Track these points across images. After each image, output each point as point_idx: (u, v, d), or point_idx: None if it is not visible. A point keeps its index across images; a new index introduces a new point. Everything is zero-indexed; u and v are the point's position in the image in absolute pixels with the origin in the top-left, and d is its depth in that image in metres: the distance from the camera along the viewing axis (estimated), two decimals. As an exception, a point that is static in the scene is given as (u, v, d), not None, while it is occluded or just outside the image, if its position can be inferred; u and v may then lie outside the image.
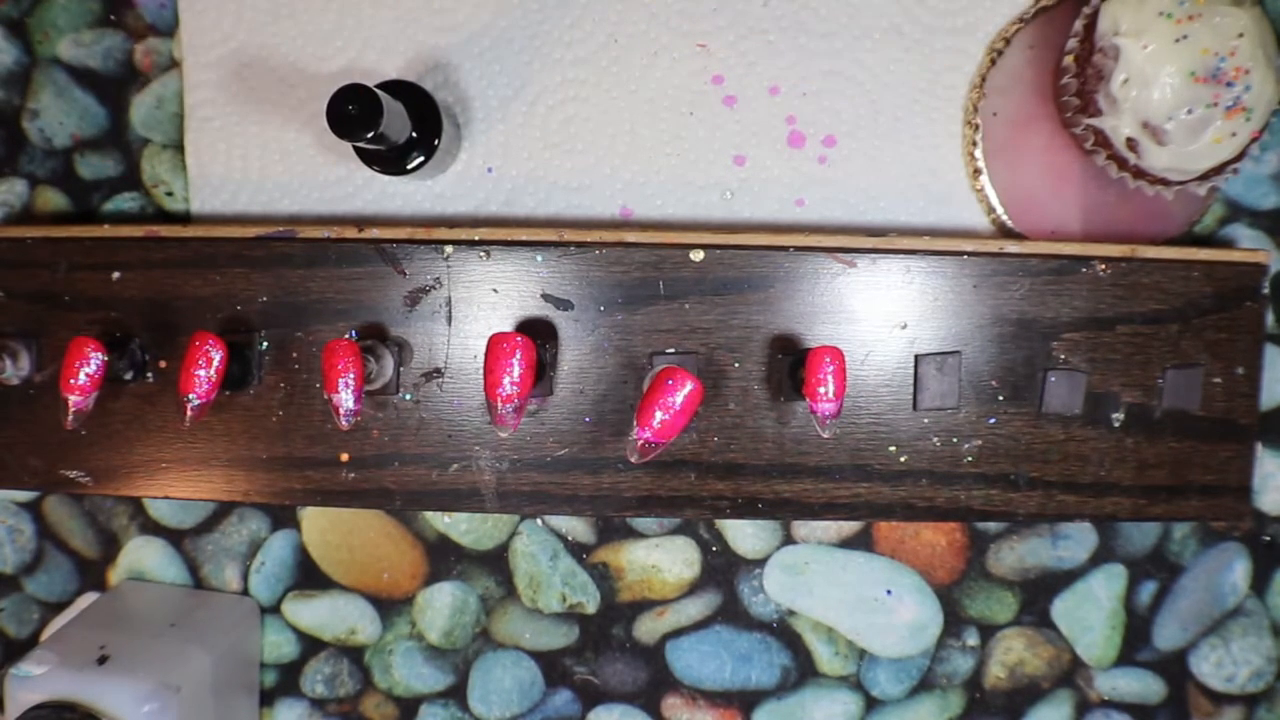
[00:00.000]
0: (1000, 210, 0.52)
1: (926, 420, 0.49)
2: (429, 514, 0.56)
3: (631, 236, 0.48)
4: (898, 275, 0.48)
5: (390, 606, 0.57)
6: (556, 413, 0.49)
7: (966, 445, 0.49)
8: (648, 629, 0.56)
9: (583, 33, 0.52)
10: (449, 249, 0.48)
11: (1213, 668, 0.56)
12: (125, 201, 0.55)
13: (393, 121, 0.44)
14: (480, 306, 0.49)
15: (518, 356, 0.43)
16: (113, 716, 0.47)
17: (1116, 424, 0.49)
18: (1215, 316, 0.49)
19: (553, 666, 0.57)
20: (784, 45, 0.52)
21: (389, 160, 0.49)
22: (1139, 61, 0.44)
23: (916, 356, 0.48)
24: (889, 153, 0.53)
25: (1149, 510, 0.50)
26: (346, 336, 0.48)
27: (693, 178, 0.53)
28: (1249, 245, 0.53)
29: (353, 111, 0.43)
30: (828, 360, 0.41)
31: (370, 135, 0.43)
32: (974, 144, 0.52)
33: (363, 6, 0.53)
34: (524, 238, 0.48)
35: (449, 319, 0.49)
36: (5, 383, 0.49)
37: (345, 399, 0.44)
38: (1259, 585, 0.55)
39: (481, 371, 0.46)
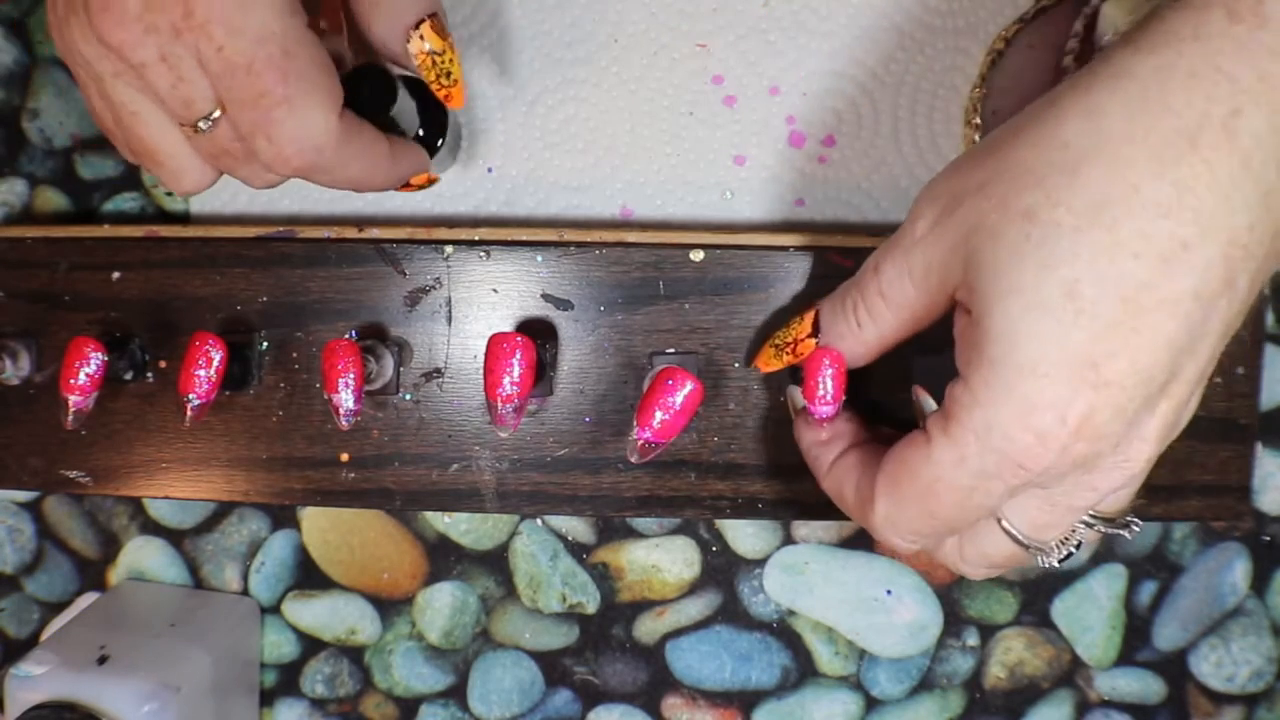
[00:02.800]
0: (1000, 210, 0.52)
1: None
2: (429, 514, 0.56)
3: (631, 236, 0.48)
4: (898, 275, 0.48)
5: (390, 606, 0.57)
6: (556, 413, 0.49)
7: (966, 445, 0.49)
8: (648, 629, 0.56)
9: (583, 33, 0.52)
10: (449, 249, 0.48)
11: (1213, 668, 0.56)
12: (125, 201, 0.55)
13: (404, 111, 0.43)
14: (480, 306, 0.49)
15: (518, 356, 0.42)
16: (113, 716, 0.47)
17: (1116, 424, 0.49)
18: (1215, 316, 0.49)
19: (553, 666, 0.57)
20: (784, 45, 0.52)
21: (389, 160, 0.49)
22: (1139, 61, 0.44)
23: (916, 357, 0.48)
24: (889, 153, 0.53)
25: (1149, 510, 0.50)
26: (346, 336, 0.48)
27: (693, 178, 0.53)
28: (1249, 245, 0.53)
29: (365, 94, 0.40)
30: (827, 363, 0.41)
31: (381, 120, 0.41)
32: (974, 144, 0.52)
33: (363, 6, 0.53)
34: (524, 238, 0.48)
35: (449, 319, 0.49)
36: (5, 383, 0.49)
37: (345, 399, 0.44)
38: (1259, 585, 0.55)
39: (481, 371, 0.46)
